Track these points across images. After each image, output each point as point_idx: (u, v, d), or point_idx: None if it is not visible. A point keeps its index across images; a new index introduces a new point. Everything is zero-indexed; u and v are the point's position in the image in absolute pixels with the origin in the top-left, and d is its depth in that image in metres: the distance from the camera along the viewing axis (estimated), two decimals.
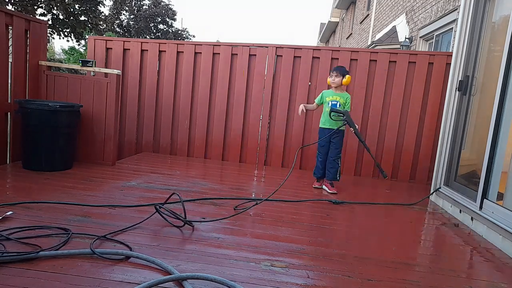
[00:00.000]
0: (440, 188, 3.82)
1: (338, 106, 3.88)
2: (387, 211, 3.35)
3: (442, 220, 3.22)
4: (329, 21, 23.38)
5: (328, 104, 3.90)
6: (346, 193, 3.96)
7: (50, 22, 15.04)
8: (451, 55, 3.99)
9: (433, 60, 4.73)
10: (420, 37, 8.32)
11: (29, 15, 9.96)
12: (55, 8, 13.99)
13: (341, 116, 3.76)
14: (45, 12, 14.62)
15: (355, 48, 9.77)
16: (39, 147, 3.57)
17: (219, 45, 5.17)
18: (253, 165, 5.13)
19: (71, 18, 15.00)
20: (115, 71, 4.03)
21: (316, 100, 4.07)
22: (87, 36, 10.69)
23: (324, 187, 4.00)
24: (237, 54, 5.09)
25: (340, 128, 3.81)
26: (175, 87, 5.27)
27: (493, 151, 2.88)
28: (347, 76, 3.86)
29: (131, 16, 25.77)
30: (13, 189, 2.96)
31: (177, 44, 5.28)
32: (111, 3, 24.41)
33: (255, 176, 4.55)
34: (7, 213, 2.31)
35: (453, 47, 5.18)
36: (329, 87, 4.05)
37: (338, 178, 3.93)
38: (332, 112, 3.77)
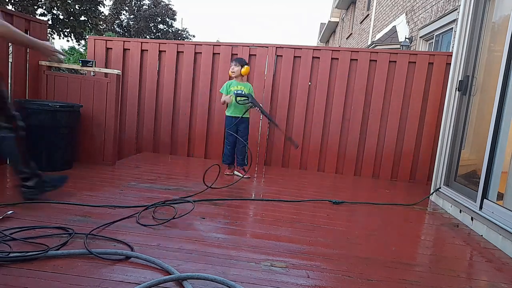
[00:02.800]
0: (440, 188, 3.82)
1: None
2: (387, 211, 3.35)
3: (442, 220, 3.22)
4: (329, 21, 23.36)
5: (234, 92, 4.14)
6: (346, 193, 3.96)
7: (50, 22, 15.04)
8: (451, 55, 3.99)
9: (433, 60, 4.74)
10: (420, 37, 8.32)
11: (29, 15, 9.96)
12: (56, 8, 14.00)
13: (246, 99, 4.07)
14: (45, 12, 14.63)
15: (355, 48, 9.77)
16: (39, 147, 3.57)
17: (219, 45, 5.17)
18: (253, 165, 5.12)
19: (71, 18, 15.00)
20: (115, 71, 4.03)
21: (222, 91, 4.25)
22: (87, 36, 10.69)
23: (236, 173, 4.31)
24: (237, 54, 5.09)
25: (244, 116, 4.17)
26: (175, 87, 5.27)
27: (493, 151, 2.88)
28: (245, 66, 4.14)
29: (131, 16, 25.76)
30: (14, 189, 2.95)
31: (177, 44, 5.28)
32: (111, 3, 24.42)
33: (255, 176, 4.54)
34: (7, 213, 2.31)
35: (453, 47, 5.18)
36: (230, 78, 4.35)
37: (246, 163, 4.29)
38: (237, 97, 4.06)
